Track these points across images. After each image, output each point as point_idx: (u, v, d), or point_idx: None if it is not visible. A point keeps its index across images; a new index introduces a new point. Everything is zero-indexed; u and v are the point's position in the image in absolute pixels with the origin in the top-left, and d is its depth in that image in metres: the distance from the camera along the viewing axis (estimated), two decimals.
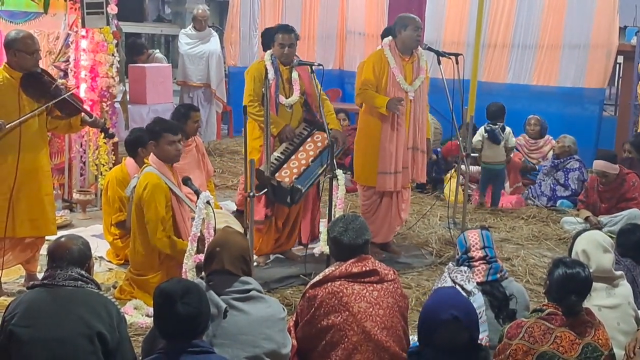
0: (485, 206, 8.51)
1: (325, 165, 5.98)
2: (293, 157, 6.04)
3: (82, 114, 5.53)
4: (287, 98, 6.14)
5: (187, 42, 10.64)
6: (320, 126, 6.11)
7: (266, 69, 6.07)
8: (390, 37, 6.37)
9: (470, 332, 3.45)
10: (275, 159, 5.97)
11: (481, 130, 8.57)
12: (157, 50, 10.51)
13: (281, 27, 6.23)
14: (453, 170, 8.23)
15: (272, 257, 6.36)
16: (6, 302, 4.42)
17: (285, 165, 5.97)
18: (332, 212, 5.56)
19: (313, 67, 6.01)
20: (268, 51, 6.23)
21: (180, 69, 10.72)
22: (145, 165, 5.44)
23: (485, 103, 9.03)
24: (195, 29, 10.64)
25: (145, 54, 10.75)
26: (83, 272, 3.53)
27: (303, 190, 5.88)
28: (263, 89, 5.92)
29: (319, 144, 6.10)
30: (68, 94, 5.40)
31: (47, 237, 5.52)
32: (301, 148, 6.09)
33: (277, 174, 5.88)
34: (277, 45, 6.11)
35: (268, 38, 6.37)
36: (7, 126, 5.10)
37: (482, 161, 8.59)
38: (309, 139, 6.15)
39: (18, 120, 5.16)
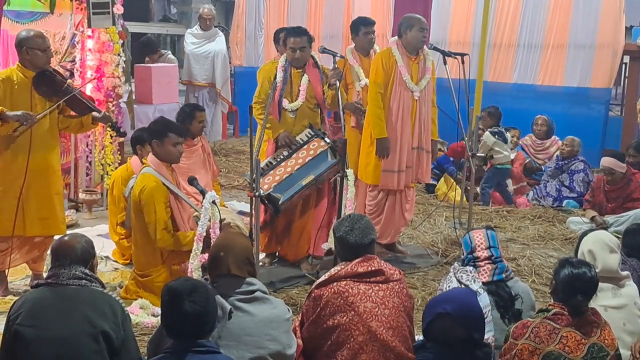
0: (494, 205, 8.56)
1: (313, 177, 5.80)
2: (283, 163, 5.89)
3: (93, 112, 5.57)
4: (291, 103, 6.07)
5: (192, 41, 10.66)
6: (321, 133, 6.03)
7: (276, 72, 6.03)
8: (396, 37, 6.39)
9: (465, 330, 3.46)
10: (266, 165, 5.87)
11: (488, 136, 8.58)
12: (169, 52, 10.52)
13: (292, 30, 6.16)
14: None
15: (277, 255, 6.33)
16: (12, 302, 4.43)
17: (271, 172, 5.82)
18: (342, 212, 5.53)
19: (336, 58, 5.99)
20: (284, 54, 6.15)
21: (186, 68, 10.75)
22: (143, 166, 5.44)
23: (491, 103, 9.04)
24: (201, 29, 10.66)
25: (157, 54, 10.75)
26: (87, 271, 3.52)
27: (282, 200, 5.66)
28: (270, 92, 5.90)
29: (312, 152, 5.92)
30: (77, 90, 5.44)
31: (55, 237, 5.54)
32: (294, 155, 5.93)
33: (260, 181, 5.72)
34: (289, 49, 6.03)
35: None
36: (37, 117, 5.15)
37: (496, 164, 8.62)
38: (304, 146, 5.99)
39: (43, 113, 5.22)
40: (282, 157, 5.95)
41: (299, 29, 6.18)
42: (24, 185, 5.23)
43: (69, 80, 5.69)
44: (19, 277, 5.78)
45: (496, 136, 8.60)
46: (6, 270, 5.47)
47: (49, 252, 5.47)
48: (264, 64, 6.36)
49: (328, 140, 5.94)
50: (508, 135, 8.82)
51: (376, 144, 6.27)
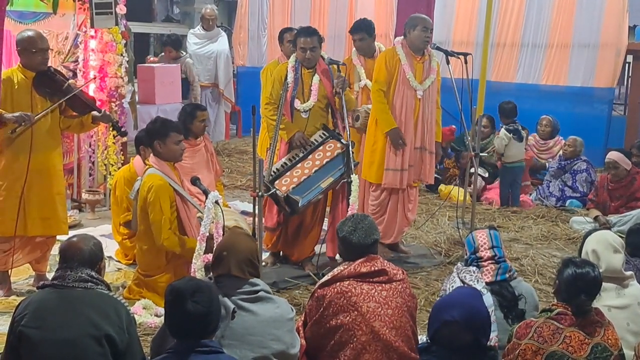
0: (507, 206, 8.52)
1: (333, 179, 5.80)
2: (299, 165, 5.86)
3: (93, 111, 5.57)
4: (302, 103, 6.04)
5: (195, 42, 10.63)
6: (337, 135, 6.00)
7: (287, 72, 6.02)
8: (401, 37, 6.40)
9: (473, 334, 3.45)
10: (281, 165, 5.86)
11: (503, 132, 8.53)
12: (188, 56, 10.40)
13: (302, 31, 6.13)
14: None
15: (281, 255, 6.33)
16: (16, 302, 4.44)
17: (288, 173, 5.80)
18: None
19: (339, 67, 6.00)
20: (293, 55, 6.16)
21: None
22: (146, 167, 5.43)
23: (494, 103, 9.03)
24: (203, 29, 10.64)
25: (176, 52, 10.53)
26: (93, 274, 3.51)
27: (300, 203, 5.66)
28: (282, 92, 5.89)
29: (329, 154, 5.90)
30: (77, 90, 5.44)
31: (58, 237, 5.54)
32: (310, 156, 5.90)
33: (277, 182, 5.73)
34: (299, 49, 6.01)
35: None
36: (35, 118, 5.16)
37: (505, 162, 8.56)
38: (320, 147, 5.95)
39: (42, 114, 5.23)
40: (297, 158, 5.92)
41: (309, 29, 6.16)
42: (25, 185, 5.23)
43: (70, 80, 5.69)
44: (22, 277, 5.78)
45: (511, 134, 8.51)
46: (9, 271, 5.47)
47: (52, 252, 5.53)
48: (268, 64, 6.35)
49: (344, 142, 5.90)
50: (524, 133, 8.70)
51: (389, 136, 6.25)
